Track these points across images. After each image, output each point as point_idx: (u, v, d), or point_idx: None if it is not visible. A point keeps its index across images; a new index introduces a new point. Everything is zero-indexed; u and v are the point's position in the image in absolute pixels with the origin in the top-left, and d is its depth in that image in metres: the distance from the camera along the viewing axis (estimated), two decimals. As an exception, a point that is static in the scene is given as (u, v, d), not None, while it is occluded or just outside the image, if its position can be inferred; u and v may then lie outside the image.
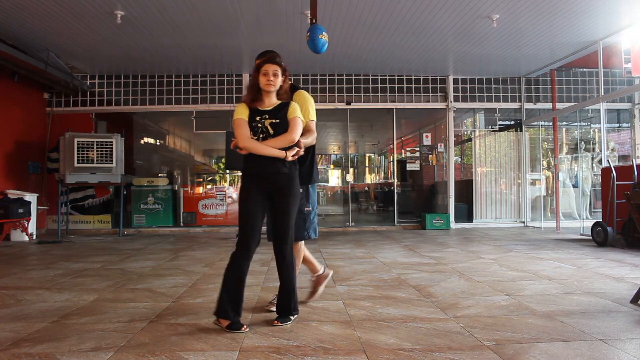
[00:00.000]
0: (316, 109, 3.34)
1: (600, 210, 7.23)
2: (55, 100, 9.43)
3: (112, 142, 8.30)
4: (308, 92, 3.30)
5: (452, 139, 9.92)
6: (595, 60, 7.74)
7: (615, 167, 6.39)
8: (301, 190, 3.20)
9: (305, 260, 3.46)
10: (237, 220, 2.97)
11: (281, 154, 2.81)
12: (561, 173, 9.73)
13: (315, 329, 2.77)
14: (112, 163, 8.29)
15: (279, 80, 2.90)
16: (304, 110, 3.05)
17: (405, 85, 9.82)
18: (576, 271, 4.50)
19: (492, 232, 8.51)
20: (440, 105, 9.89)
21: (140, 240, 7.88)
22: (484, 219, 9.82)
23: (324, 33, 4.83)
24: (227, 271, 2.82)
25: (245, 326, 2.75)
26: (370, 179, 18.51)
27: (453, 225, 9.57)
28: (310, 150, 3.28)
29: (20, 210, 7.51)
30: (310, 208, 3.32)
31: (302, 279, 3.51)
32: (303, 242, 3.35)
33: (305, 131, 3.02)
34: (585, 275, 4.27)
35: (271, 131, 2.83)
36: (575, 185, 10.07)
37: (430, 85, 9.86)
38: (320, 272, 3.51)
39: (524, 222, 9.77)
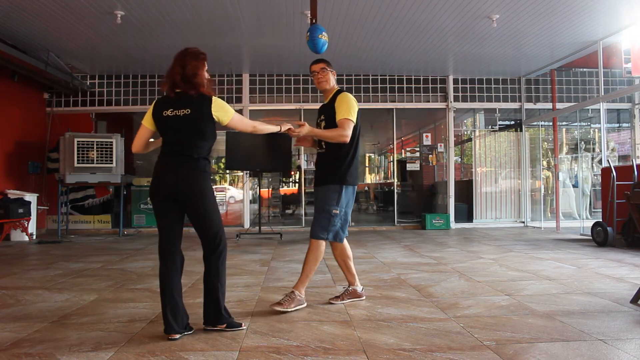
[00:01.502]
0: (317, 109, 3.35)
1: (600, 210, 7.23)
2: (55, 100, 9.42)
3: (112, 142, 8.30)
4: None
5: (452, 139, 9.91)
6: (595, 60, 7.74)
7: (615, 167, 6.39)
8: (334, 190, 3.19)
9: (348, 271, 3.43)
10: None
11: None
12: (561, 173, 9.73)
13: (315, 329, 2.77)
14: (112, 163, 8.28)
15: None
16: (342, 108, 3.20)
17: (405, 85, 9.82)
18: (576, 271, 4.50)
19: (492, 232, 8.51)
20: (440, 105, 9.89)
21: (140, 240, 7.88)
22: (484, 219, 9.82)
23: (324, 33, 4.82)
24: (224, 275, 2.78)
25: (242, 323, 2.80)
26: (370, 179, 18.52)
27: (453, 225, 9.56)
28: (352, 147, 3.24)
29: (20, 210, 7.50)
30: (338, 210, 3.21)
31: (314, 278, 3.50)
32: (323, 242, 3.22)
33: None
34: (585, 275, 4.27)
35: None
36: (575, 185, 10.07)
37: (430, 85, 9.86)
38: (358, 288, 3.46)
39: (524, 222, 9.77)
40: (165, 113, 2.71)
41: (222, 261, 2.73)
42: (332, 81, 3.36)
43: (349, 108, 3.19)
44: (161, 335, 2.65)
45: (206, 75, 2.78)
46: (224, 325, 2.71)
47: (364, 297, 3.49)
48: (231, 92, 9.57)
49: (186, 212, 2.71)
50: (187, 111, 2.67)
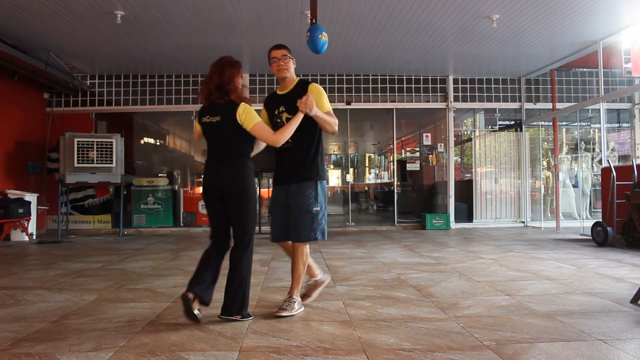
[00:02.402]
0: None
1: (600, 210, 7.23)
2: (55, 100, 9.42)
3: (112, 142, 8.30)
4: None
5: (452, 139, 9.91)
6: (595, 60, 7.74)
7: (615, 167, 6.39)
8: (312, 188, 3.14)
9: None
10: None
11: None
12: (561, 173, 9.73)
13: (315, 329, 2.77)
14: (112, 163, 8.28)
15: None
16: (322, 101, 3.15)
17: (405, 85, 9.82)
18: (576, 271, 4.50)
19: (492, 232, 8.51)
20: (440, 105, 9.89)
21: (140, 240, 7.88)
22: (484, 219, 9.82)
23: (323, 33, 4.82)
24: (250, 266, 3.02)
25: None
26: (370, 179, 18.52)
27: (453, 225, 9.56)
28: (321, 141, 3.25)
29: (20, 210, 7.50)
30: (319, 208, 3.15)
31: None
32: (307, 244, 3.19)
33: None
34: (585, 275, 4.27)
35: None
36: (575, 185, 10.07)
37: (430, 85, 9.86)
38: (318, 277, 3.41)
39: (524, 222, 9.77)
40: (204, 120, 2.97)
41: (251, 256, 3.00)
42: (292, 69, 3.24)
43: (326, 100, 3.19)
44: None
45: (241, 82, 2.96)
46: (239, 316, 2.89)
47: (327, 279, 3.55)
48: (231, 92, 9.55)
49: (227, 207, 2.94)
50: (218, 118, 2.89)
